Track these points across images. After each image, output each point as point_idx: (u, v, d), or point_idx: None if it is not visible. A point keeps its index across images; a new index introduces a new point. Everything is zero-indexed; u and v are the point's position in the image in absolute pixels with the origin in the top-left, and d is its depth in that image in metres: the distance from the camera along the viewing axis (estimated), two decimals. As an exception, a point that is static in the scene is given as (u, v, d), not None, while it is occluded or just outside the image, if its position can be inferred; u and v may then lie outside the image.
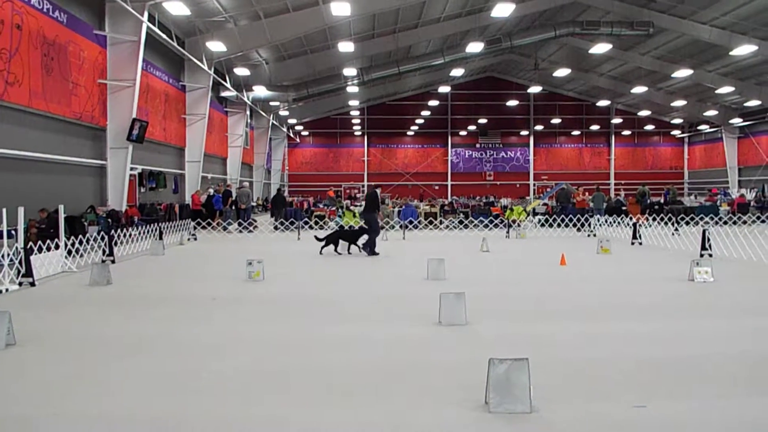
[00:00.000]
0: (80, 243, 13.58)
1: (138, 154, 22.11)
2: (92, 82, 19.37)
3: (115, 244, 14.84)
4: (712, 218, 25.54)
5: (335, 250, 15.94)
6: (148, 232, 17.47)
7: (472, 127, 56.48)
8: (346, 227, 24.77)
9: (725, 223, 25.16)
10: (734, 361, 5.99)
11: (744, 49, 28.81)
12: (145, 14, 19.96)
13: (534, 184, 56.36)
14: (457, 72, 40.99)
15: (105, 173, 20.46)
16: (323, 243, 15.94)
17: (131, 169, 21.39)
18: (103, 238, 14.39)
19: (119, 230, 16.09)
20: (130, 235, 16.84)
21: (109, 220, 18.31)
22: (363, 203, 20.45)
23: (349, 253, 15.80)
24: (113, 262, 13.75)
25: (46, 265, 11.74)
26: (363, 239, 15.91)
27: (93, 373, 5.71)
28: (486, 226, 24.85)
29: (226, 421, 4.55)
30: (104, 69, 20.12)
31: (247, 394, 5.13)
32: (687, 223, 22.83)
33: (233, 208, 25.59)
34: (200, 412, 4.73)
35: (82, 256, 13.64)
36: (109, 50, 20.24)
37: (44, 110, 16.72)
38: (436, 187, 55.47)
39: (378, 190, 16.91)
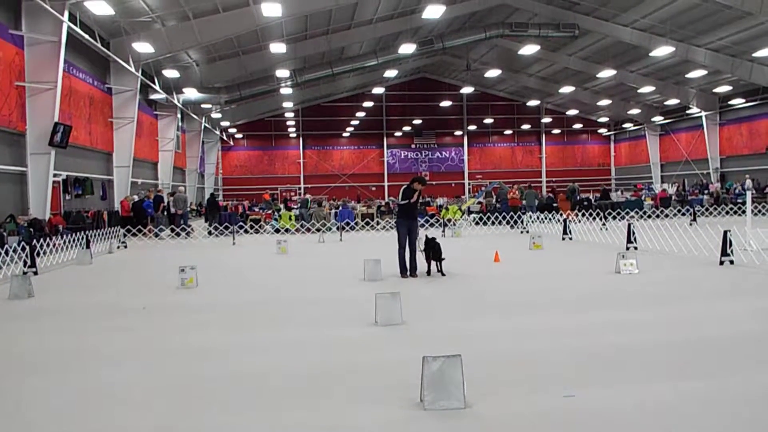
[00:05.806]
0: (-1, 254, 12.90)
1: (62, 159, 21.18)
2: (9, 85, 18.40)
3: (38, 254, 14.16)
4: (637, 212, 26.68)
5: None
6: (74, 240, 16.74)
7: (407, 128, 56.91)
8: (282, 230, 24.58)
9: (649, 216, 26.28)
10: (658, 348, 6.22)
11: (662, 51, 30.18)
12: (66, 14, 19.10)
13: (469, 183, 57.29)
14: (391, 73, 41.26)
15: (26, 180, 19.47)
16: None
17: (55, 175, 20.44)
18: (24, 249, 13.69)
19: (42, 240, 15.32)
20: (54, 244, 16.09)
21: (31, 229, 17.45)
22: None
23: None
24: (35, 273, 13.11)
25: (-40, 278, 11.09)
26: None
27: (7, 391, 5.40)
28: (422, 225, 25.03)
29: (154, 433, 4.39)
30: (22, 70, 19.15)
31: (175, 405, 4.96)
32: (614, 218, 23.74)
33: (165, 214, 24.85)
34: (123, 427, 4.54)
35: (0, 268, 12.94)
36: (27, 51, 19.26)
37: (-44, 115, 15.81)
38: (373, 188, 55.55)
39: (416, 185, 11.61)
